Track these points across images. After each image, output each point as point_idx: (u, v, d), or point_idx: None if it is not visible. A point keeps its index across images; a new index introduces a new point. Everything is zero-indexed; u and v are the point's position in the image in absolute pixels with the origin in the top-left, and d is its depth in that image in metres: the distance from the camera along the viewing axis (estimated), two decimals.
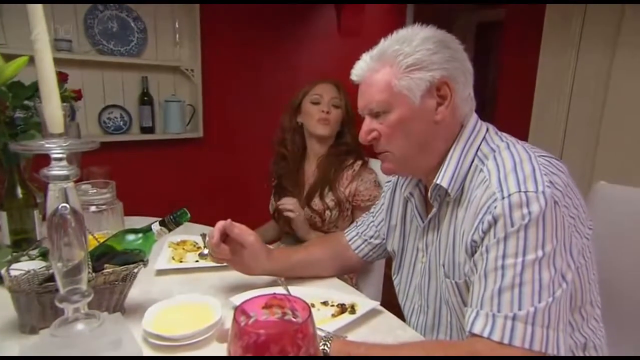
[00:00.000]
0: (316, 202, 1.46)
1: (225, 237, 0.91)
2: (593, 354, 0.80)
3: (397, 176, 1.01)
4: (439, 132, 0.79)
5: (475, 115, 0.83)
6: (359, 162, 1.47)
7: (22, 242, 1.08)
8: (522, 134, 0.83)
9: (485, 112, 0.84)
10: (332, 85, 1.52)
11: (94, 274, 0.75)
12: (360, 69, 0.82)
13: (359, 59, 0.84)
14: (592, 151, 2.49)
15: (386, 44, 0.79)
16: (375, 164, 1.50)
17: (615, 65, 2.34)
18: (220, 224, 0.91)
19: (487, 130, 0.81)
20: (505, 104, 2.90)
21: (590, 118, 2.48)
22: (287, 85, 1.64)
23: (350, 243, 1.09)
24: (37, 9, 0.53)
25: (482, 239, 0.69)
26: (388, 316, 0.88)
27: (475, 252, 0.71)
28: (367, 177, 1.46)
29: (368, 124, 0.83)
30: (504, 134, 0.82)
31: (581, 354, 0.79)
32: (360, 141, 0.85)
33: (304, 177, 1.55)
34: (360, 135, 0.84)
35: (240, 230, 0.91)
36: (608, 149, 2.42)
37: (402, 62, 0.76)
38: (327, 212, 1.44)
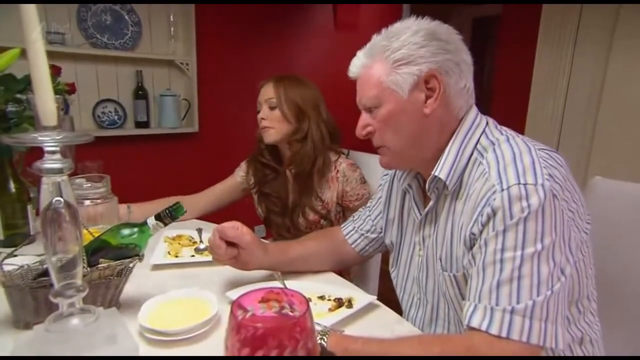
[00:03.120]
0: (301, 223, 1.41)
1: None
2: (589, 347, 0.81)
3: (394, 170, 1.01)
4: (431, 125, 0.79)
5: (475, 109, 0.82)
6: (338, 167, 1.37)
7: (15, 237, 1.07)
8: (518, 129, 0.83)
9: (480, 107, 0.83)
10: (270, 83, 1.39)
11: (88, 269, 0.74)
12: (354, 66, 0.83)
13: (354, 55, 0.84)
14: (587, 146, 2.50)
15: (377, 39, 0.80)
16: (359, 157, 1.44)
17: (612, 60, 2.34)
18: (215, 233, 0.89)
19: (487, 123, 0.81)
20: (501, 98, 2.90)
21: (586, 113, 2.49)
22: None
23: (346, 237, 1.09)
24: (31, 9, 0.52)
25: (481, 232, 0.69)
26: (385, 310, 0.88)
27: (474, 245, 0.71)
28: (351, 176, 1.36)
29: (364, 118, 0.84)
30: (504, 127, 0.82)
31: (578, 348, 0.79)
32: (357, 135, 0.86)
33: (286, 180, 1.45)
34: (357, 130, 0.85)
35: (236, 233, 0.89)
36: (604, 144, 2.43)
37: (390, 57, 0.76)
38: (322, 220, 1.41)
